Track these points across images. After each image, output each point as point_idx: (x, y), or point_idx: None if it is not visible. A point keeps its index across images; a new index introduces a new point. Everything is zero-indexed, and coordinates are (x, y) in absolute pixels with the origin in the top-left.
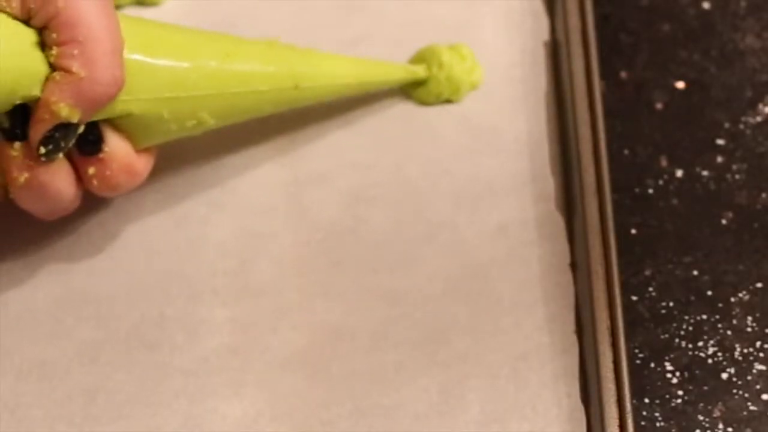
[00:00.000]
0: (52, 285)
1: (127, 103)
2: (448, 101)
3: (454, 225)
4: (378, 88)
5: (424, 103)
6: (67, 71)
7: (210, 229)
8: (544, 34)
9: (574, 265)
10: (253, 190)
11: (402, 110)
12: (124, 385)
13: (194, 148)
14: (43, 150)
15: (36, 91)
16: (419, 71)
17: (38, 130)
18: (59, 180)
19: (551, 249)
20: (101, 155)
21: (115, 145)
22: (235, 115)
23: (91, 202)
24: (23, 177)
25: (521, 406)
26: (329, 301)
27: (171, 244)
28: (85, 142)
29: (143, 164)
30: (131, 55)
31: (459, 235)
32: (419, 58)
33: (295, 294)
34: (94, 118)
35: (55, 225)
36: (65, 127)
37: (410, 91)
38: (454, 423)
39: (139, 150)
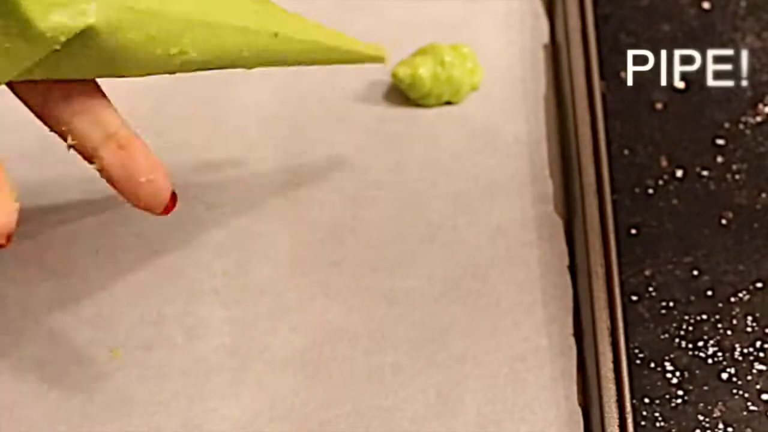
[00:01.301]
0: (52, 285)
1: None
2: (449, 103)
3: (454, 225)
4: (345, 60)
5: (424, 104)
6: None
7: (209, 229)
8: (544, 35)
9: (572, 268)
10: (252, 190)
11: (402, 110)
12: (123, 385)
13: (193, 147)
14: None
15: None
16: (382, 52)
17: None
18: None
19: (550, 250)
20: None
21: None
22: (216, 50)
23: (89, 202)
24: None
25: (519, 408)
26: (329, 301)
27: (170, 243)
28: None
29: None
30: None
31: (458, 236)
32: (421, 53)
33: (295, 294)
34: None
35: (54, 225)
36: None
37: (410, 92)
38: (451, 424)
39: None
